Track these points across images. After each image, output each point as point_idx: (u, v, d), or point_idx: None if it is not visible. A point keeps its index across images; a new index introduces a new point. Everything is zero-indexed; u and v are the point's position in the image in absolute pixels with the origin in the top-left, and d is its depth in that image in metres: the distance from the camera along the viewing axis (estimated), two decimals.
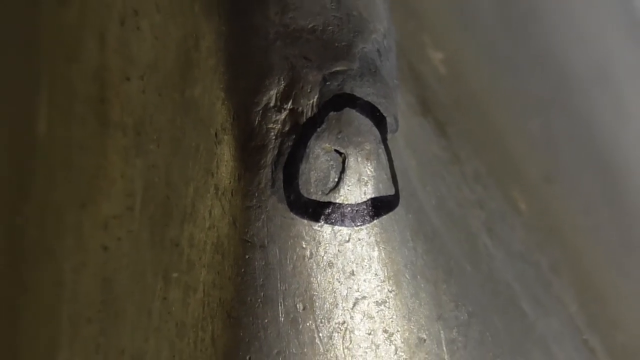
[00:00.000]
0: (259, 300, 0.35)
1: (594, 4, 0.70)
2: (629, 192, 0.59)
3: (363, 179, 0.34)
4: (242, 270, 0.35)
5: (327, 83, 0.34)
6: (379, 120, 0.34)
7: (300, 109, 0.34)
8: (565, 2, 0.65)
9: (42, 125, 0.40)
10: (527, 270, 0.41)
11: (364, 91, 0.34)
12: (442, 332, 0.36)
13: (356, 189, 0.34)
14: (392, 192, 0.35)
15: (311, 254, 0.35)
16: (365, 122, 0.34)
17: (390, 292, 0.36)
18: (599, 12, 0.70)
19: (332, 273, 0.35)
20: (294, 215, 0.35)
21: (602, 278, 0.48)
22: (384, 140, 0.35)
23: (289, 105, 0.35)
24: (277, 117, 0.35)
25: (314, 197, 0.35)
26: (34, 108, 0.41)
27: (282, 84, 0.35)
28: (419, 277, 0.36)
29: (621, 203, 0.57)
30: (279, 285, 0.35)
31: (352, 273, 0.35)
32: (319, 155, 0.34)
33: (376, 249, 0.35)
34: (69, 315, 0.38)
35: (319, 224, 0.35)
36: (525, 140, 0.49)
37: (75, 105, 0.39)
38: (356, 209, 0.35)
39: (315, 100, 0.34)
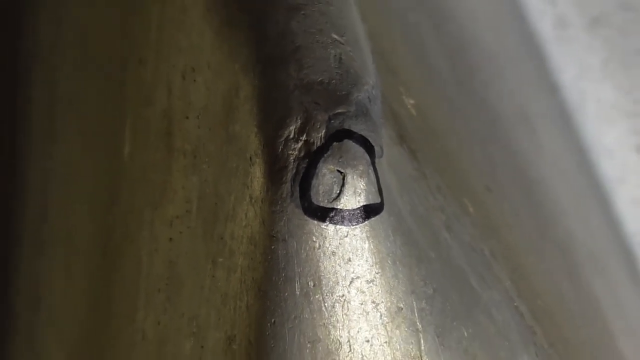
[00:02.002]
0: (281, 279, 0.34)
1: (516, 66, 0.69)
2: (542, 199, 0.58)
3: (357, 191, 0.33)
4: (269, 257, 0.34)
5: (332, 121, 0.33)
6: (369, 149, 0.33)
7: (312, 140, 0.33)
8: (497, 64, 0.64)
9: (127, 151, 0.39)
10: (474, 256, 0.40)
11: (358, 127, 0.33)
12: (414, 302, 0.35)
13: (352, 199, 0.33)
14: (378, 200, 0.34)
15: (319, 245, 0.33)
16: (359, 150, 0.33)
17: (377, 273, 0.34)
18: (520, 72, 0.69)
19: (334, 259, 0.33)
20: (307, 218, 0.33)
21: (526, 261, 0.47)
22: (373, 163, 0.33)
23: (304, 137, 0.33)
24: (295, 146, 0.33)
25: (321, 204, 0.33)
26: (121, 139, 0.40)
27: (299, 122, 0.33)
28: (397, 262, 0.34)
29: (537, 207, 0.56)
30: (295, 268, 0.33)
31: (349, 259, 0.34)
32: (326, 174, 0.33)
33: (367, 242, 0.34)
34: (145, 287, 0.38)
35: (325, 223, 0.33)
36: (471, 162, 0.48)
37: (150, 136, 0.38)
38: (352, 213, 0.33)
39: (323, 134, 0.33)
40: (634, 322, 0.64)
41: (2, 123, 0.51)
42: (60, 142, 0.47)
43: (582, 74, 0.78)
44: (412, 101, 0.42)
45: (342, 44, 0.34)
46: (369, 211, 0.33)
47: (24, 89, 0.49)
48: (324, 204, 0.33)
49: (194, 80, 0.36)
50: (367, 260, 0.34)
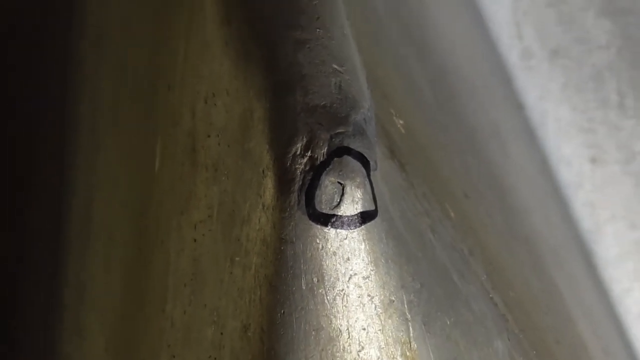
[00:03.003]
0: (289, 275, 0.33)
1: (489, 90, 0.68)
2: (512, 203, 0.57)
3: (355, 200, 0.32)
4: (279, 256, 0.33)
5: (333, 140, 0.32)
6: (365, 163, 0.32)
7: (316, 156, 0.32)
8: (472, 89, 0.63)
9: (157, 164, 0.39)
10: (455, 255, 0.39)
11: (356, 145, 0.32)
12: (404, 296, 0.34)
13: (351, 206, 0.32)
14: (373, 208, 0.33)
15: (322, 246, 0.32)
16: (356, 165, 0.32)
17: (372, 270, 0.33)
18: (492, 95, 0.69)
19: (335, 259, 0.33)
20: (312, 222, 0.32)
21: (499, 257, 0.46)
22: (368, 175, 0.32)
23: (309, 153, 0.32)
24: (301, 161, 0.32)
25: (324, 211, 0.32)
26: (152, 154, 0.39)
27: (304, 140, 0.32)
28: (389, 261, 0.34)
29: (508, 209, 0.55)
30: (302, 266, 0.33)
31: (348, 258, 0.33)
32: (328, 185, 0.32)
33: (363, 243, 0.33)
34: (173, 282, 0.36)
35: (327, 228, 0.32)
36: (452, 172, 0.47)
37: (177, 152, 0.37)
38: (350, 218, 0.32)
39: (325, 150, 0.32)
40: (589, 309, 0.63)
41: (53, 136, 0.50)
42: (102, 155, 0.46)
43: (544, 96, 0.78)
44: (401, 121, 0.41)
45: (342, 73, 0.33)
46: (365, 217, 0.33)
47: (72, 106, 0.48)
48: (326, 210, 0.32)
49: (215, 104, 0.35)
50: (363, 259, 0.33)
